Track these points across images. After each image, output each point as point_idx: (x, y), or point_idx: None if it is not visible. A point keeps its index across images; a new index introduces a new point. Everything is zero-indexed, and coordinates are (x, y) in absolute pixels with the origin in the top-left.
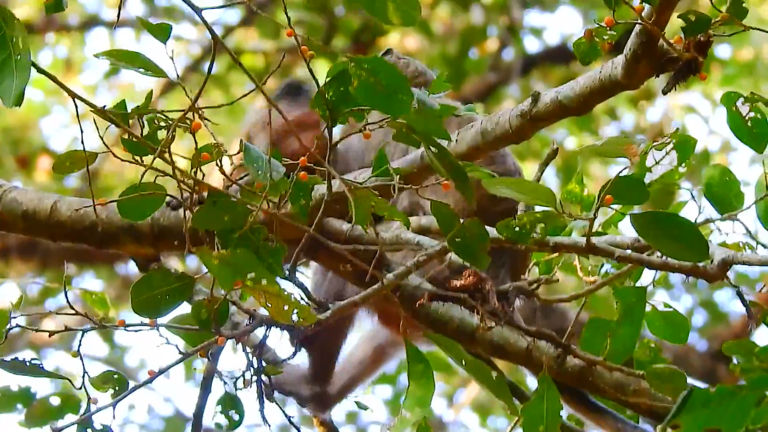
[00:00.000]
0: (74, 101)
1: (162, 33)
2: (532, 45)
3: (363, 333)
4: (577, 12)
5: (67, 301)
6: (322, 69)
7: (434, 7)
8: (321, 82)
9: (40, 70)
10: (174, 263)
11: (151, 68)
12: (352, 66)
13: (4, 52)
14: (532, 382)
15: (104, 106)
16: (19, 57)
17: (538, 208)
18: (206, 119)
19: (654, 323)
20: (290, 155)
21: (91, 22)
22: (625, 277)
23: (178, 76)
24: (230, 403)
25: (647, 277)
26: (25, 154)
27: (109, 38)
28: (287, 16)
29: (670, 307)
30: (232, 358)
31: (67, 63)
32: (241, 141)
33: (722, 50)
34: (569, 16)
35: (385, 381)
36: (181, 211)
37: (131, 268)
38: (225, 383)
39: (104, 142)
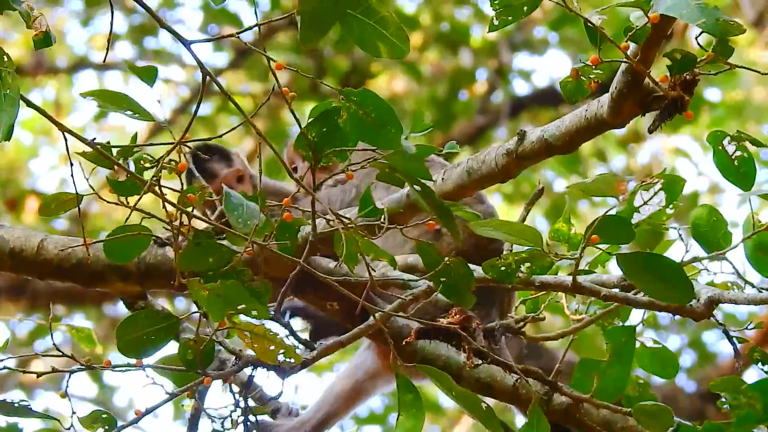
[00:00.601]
0: (64, 136)
1: (149, 76)
2: (521, 87)
3: (341, 369)
4: (565, 54)
5: (54, 343)
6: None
7: (423, 50)
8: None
9: (30, 104)
10: (161, 301)
11: (138, 111)
12: (342, 99)
13: None
14: (520, 421)
15: (94, 139)
16: (8, 92)
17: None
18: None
19: (643, 359)
20: None
21: (79, 64)
22: (613, 316)
23: (165, 118)
24: None
25: (635, 315)
26: (14, 196)
27: (97, 80)
28: (268, 59)
29: (659, 342)
30: (220, 396)
31: (55, 105)
32: (222, 187)
33: (712, 93)
34: (558, 59)
35: (374, 421)
36: (167, 249)
37: (120, 308)
38: (213, 421)
39: (90, 185)
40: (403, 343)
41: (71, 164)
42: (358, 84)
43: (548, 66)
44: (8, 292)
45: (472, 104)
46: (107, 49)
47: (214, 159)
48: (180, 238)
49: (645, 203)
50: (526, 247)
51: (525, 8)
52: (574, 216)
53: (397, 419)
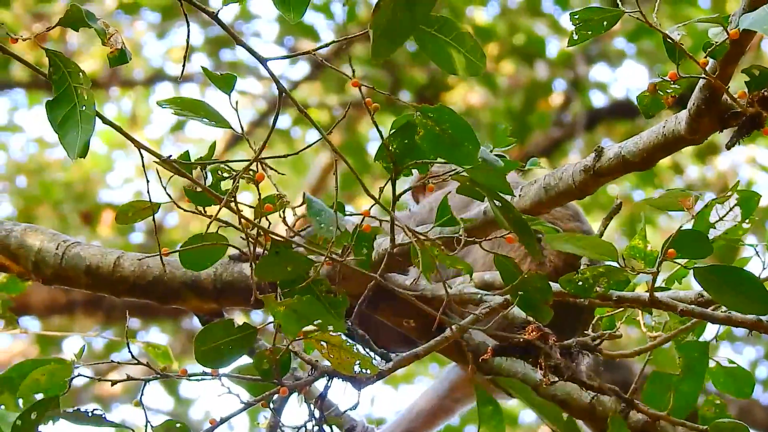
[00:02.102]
0: (140, 152)
1: (226, 84)
2: (597, 99)
3: (424, 386)
4: (642, 66)
5: (129, 351)
6: (386, 123)
7: (499, 61)
8: (385, 135)
9: (105, 121)
10: (237, 318)
11: (214, 118)
12: (418, 115)
13: (69, 104)
14: None
15: (169, 156)
16: (83, 108)
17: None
18: (271, 168)
19: (718, 378)
20: None
21: (155, 77)
22: (689, 332)
23: (242, 128)
24: None
25: (710, 330)
26: (89, 210)
27: (174, 93)
28: (351, 68)
29: (734, 362)
30: (296, 410)
31: (131, 117)
32: (304, 193)
33: None
34: (634, 71)
35: None
36: (242, 266)
37: (195, 322)
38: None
39: (167, 193)
40: (480, 360)
41: (147, 180)
42: (434, 96)
43: (625, 78)
44: (84, 306)
45: (547, 116)
46: (183, 64)
47: None
48: (257, 249)
49: (721, 219)
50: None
51: (605, 23)
52: (653, 227)
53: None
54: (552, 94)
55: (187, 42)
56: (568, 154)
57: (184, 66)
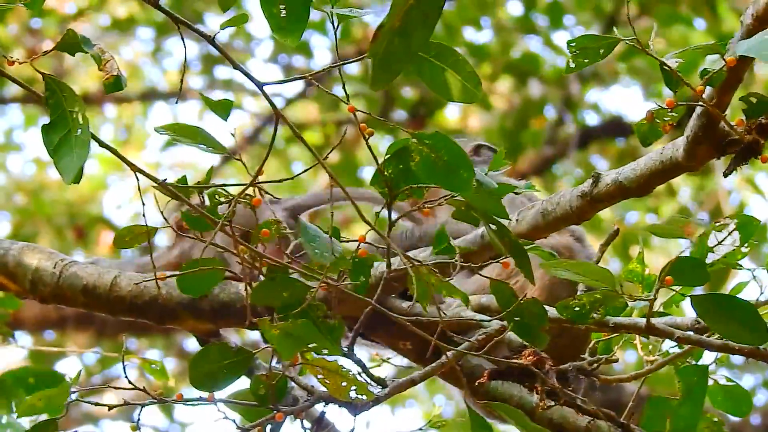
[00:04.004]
0: (136, 175)
1: (223, 109)
2: (590, 118)
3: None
4: (635, 84)
5: (126, 376)
6: (381, 141)
7: (494, 80)
8: (378, 157)
9: (102, 144)
10: (234, 337)
11: (211, 144)
12: (414, 142)
13: (64, 129)
14: None
15: (165, 180)
16: (79, 133)
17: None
18: (267, 193)
19: (716, 397)
20: None
21: (150, 93)
22: (686, 356)
23: (239, 155)
24: None
25: (709, 354)
26: (82, 225)
27: (170, 110)
28: (345, 91)
29: (733, 380)
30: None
31: (126, 139)
32: (297, 218)
33: None
34: (628, 89)
35: None
36: (239, 287)
37: (188, 338)
38: None
39: (164, 217)
40: (476, 383)
41: (143, 203)
42: (428, 114)
43: (618, 96)
44: (76, 321)
45: (540, 135)
46: (180, 87)
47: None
48: (252, 273)
49: (719, 242)
50: (600, 288)
51: (601, 51)
52: (648, 248)
53: None
54: (544, 113)
55: (184, 65)
56: (560, 173)
57: (180, 89)
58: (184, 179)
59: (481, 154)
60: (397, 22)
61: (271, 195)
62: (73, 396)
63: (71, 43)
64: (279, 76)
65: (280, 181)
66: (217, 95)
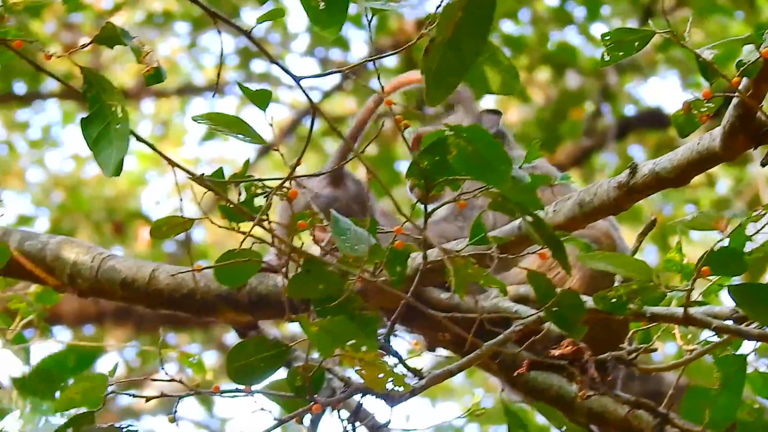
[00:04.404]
0: (173, 169)
1: (262, 100)
2: (628, 109)
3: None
4: (673, 74)
5: (162, 368)
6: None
7: (531, 71)
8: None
9: (139, 138)
10: (272, 329)
11: (249, 134)
12: (451, 135)
13: (103, 122)
14: None
15: (202, 174)
16: (118, 126)
17: None
18: (304, 187)
19: (756, 384)
20: None
21: (187, 88)
22: (725, 346)
23: (277, 145)
24: None
25: (748, 343)
26: (120, 221)
27: (208, 105)
28: (380, 85)
29: None
30: (331, 424)
31: (164, 134)
32: (330, 211)
33: None
34: (666, 80)
35: None
36: (277, 279)
37: (228, 332)
38: None
39: (201, 208)
40: (515, 374)
41: (180, 199)
42: None
43: (656, 87)
44: (114, 316)
45: (578, 125)
46: (217, 82)
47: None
48: (289, 265)
49: (758, 231)
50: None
51: (636, 44)
52: (687, 238)
53: None
54: (583, 103)
55: (221, 58)
56: (598, 164)
57: (217, 82)
58: (220, 172)
59: (484, 121)
60: (448, 34)
61: (306, 188)
62: (110, 389)
63: (110, 36)
64: (316, 70)
65: (316, 174)
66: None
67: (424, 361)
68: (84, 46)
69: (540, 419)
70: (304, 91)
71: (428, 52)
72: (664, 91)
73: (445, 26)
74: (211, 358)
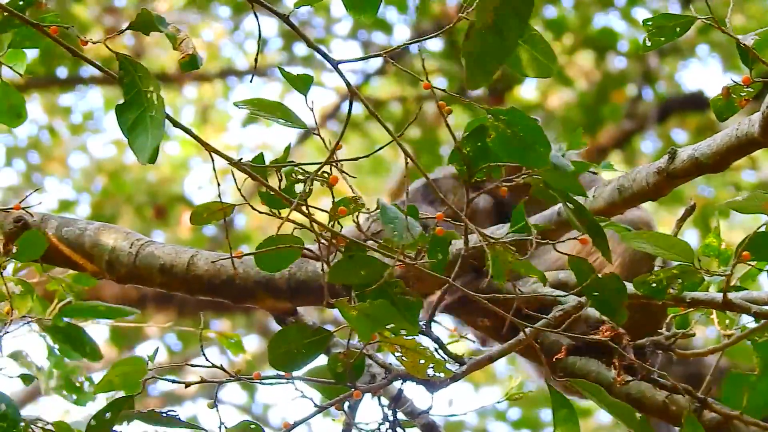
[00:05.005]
0: (211, 156)
1: (303, 84)
2: (669, 92)
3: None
4: (714, 58)
5: (203, 353)
6: (459, 116)
7: (572, 53)
8: (457, 132)
9: (176, 124)
10: (312, 315)
11: (291, 119)
12: (490, 118)
13: (139, 109)
14: None
15: (240, 159)
16: (153, 114)
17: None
18: (344, 172)
19: None
20: None
21: (228, 71)
22: (764, 330)
23: (316, 125)
24: None
25: None
26: (162, 204)
27: (250, 90)
28: (424, 69)
29: None
30: (371, 410)
31: (203, 119)
32: (378, 199)
33: None
34: (706, 63)
35: None
36: (316, 265)
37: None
38: None
39: (242, 194)
40: (554, 359)
41: (218, 184)
42: (506, 89)
43: (697, 70)
44: (156, 301)
45: (620, 108)
46: (255, 64)
47: None
48: (331, 252)
49: None
50: (677, 263)
51: (677, 29)
52: (725, 220)
53: None
54: (625, 86)
55: (259, 42)
56: (640, 147)
57: (255, 65)
58: (261, 157)
59: None
60: (489, 19)
61: (347, 174)
62: (151, 374)
63: (145, 23)
64: (358, 53)
65: (357, 158)
66: (297, 71)
67: (465, 347)
68: (119, 32)
69: (582, 402)
70: (342, 75)
71: (469, 36)
72: (705, 74)
73: (487, 10)
74: (253, 343)
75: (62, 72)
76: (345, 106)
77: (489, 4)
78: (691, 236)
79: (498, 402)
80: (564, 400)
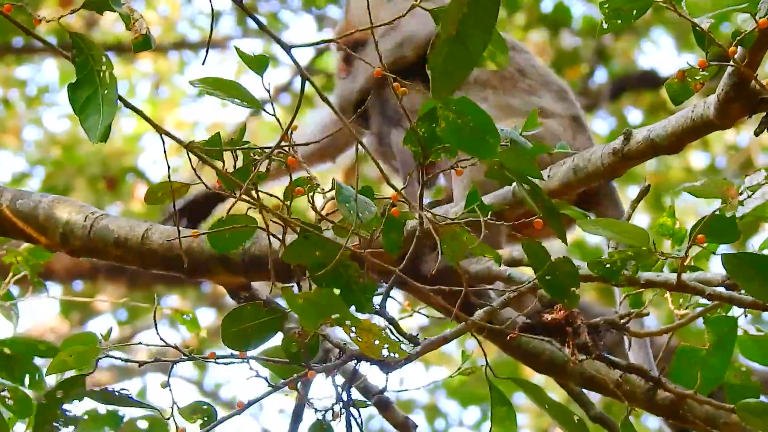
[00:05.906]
0: (161, 137)
1: (259, 65)
2: (623, 69)
3: None
4: (668, 36)
5: (157, 332)
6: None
7: (527, 30)
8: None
9: (128, 105)
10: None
11: (246, 99)
12: (440, 107)
13: (91, 88)
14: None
15: (191, 142)
16: (105, 92)
17: None
18: (296, 157)
19: (745, 346)
20: None
21: (182, 43)
22: (716, 309)
23: (272, 106)
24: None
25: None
26: (114, 176)
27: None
28: (379, 54)
29: (762, 330)
30: (325, 387)
31: (156, 85)
32: (333, 179)
33: None
34: (659, 40)
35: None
36: (273, 240)
37: (214, 288)
38: (316, 412)
39: (197, 174)
40: (507, 338)
41: (168, 166)
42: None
43: (651, 49)
44: (108, 272)
45: (573, 86)
46: (209, 42)
47: None
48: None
49: (749, 197)
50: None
51: (634, 12)
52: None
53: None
54: (578, 64)
55: (212, 26)
56: (592, 124)
57: (209, 46)
58: (217, 137)
59: None
60: (453, 31)
61: (300, 160)
62: (104, 353)
63: (100, 2)
64: (312, 27)
65: (308, 143)
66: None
67: (418, 321)
68: (73, 11)
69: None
70: (294, 60)
71: (434, 47)
72: (659, 52)
73: (451, 22)
74: (205, 316)
75: (18, 41)
76: (298, 81)
77: (453, 17)
78: (642, 215)
79: (449, 377)
80: (503, 397)
